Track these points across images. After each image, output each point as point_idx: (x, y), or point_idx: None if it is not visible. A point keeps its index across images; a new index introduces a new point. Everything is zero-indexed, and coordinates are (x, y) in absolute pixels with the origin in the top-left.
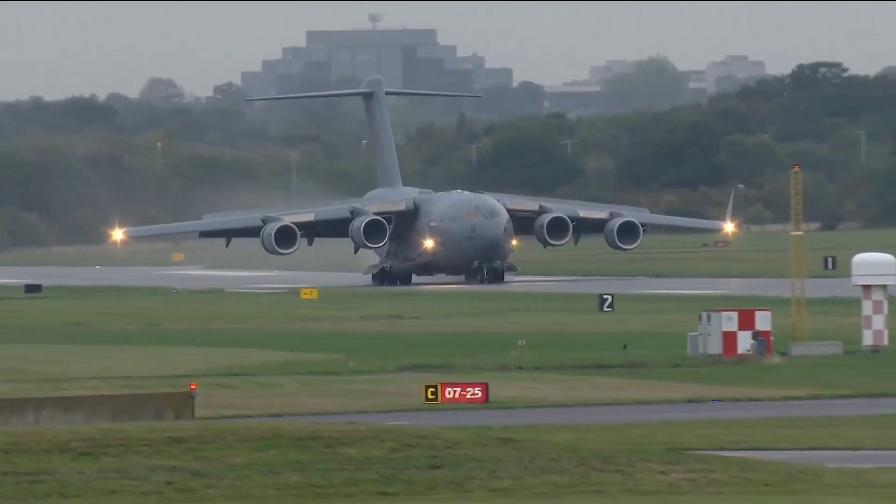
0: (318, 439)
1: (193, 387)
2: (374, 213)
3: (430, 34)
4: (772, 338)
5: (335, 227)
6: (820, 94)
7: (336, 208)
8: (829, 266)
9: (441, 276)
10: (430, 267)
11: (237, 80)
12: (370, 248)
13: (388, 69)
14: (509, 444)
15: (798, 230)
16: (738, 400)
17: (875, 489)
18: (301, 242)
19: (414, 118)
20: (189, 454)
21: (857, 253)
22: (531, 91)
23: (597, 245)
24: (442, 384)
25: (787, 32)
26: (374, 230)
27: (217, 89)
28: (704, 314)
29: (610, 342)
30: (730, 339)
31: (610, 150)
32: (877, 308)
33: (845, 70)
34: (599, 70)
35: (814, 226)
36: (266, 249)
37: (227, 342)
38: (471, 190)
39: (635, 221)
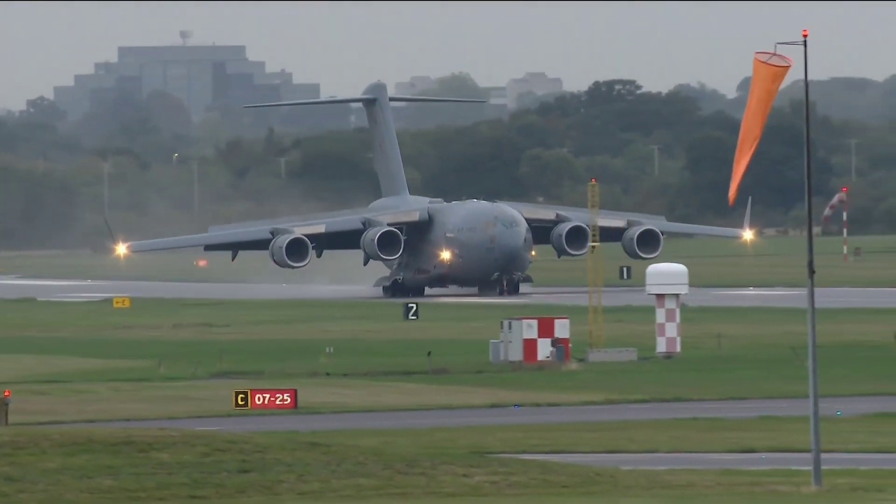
0: (131, 444)
1: (7, 394)
2: (388, 224)
3: (239, 50)
4: (570, 345)
5: (346, 239)
6: (615, 110)
7: (347, 219)
8: (625, 276)
9: (454, 289)
10: (445, 279)
11: (49, 95)
12: (384, 260)
13: (199, 84)
14: (317, 449)
15: (594, 242)
16: (538, 405)
17: (668, 490)
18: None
19: (224, 132)
20: (2, 460)
21: (652, 263)
22: (337, 106)
23: (614, 254)
24: (252, 390)
25: (584, 51)
26: (387, 241)
27: (30, 103)
28: (506, 322)
29: (415, 349)
30: (530, 346)
31: (415, 164)
32: (670, 316)
33: (639, 87)
34: (404, 86)
35: None
36: (276, 262)
37: (40, 350)
38: (487, 199)
39: (655, 230)
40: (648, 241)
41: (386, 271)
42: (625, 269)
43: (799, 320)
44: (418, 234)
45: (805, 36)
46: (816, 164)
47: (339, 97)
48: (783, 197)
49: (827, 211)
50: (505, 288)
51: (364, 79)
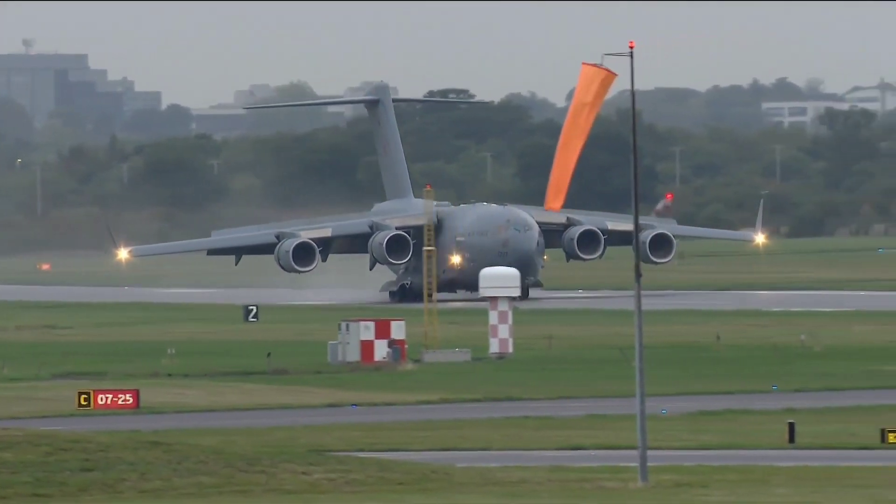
0: None
1: None
2: (396, 228)
3: (81, 59)
4: (406, 346)
5: (353, 243)
6: (449, 118)
7: (354, 223)
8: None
9: (462, 293)
10: (455, 283)
11: None
12: (393, 264)
13: (42, 92)
14: (159, 447)
15: (430, 245)
16: (375, 404)
17: (500, 486)
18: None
19: (67, 139)
20: None
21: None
22: (179, 113)
23: (627, 258)
24: (94, 391)
25: (419, 60)
26: (396, 245)
27: None
28: (344, 324)
29: (255, 350)
30: (367, 347)
31: (255, 170)
32: (502, 318)
33: (472, 96)
34: (244, 94)
35: None
36: (282, 267)
37: None
38: (497, 202)
39: (668, 233)
40: (661, 245)
41: (389, 276)
42: None
43: (626, 322)
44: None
45: (632, 47)
46: (642, 170)
47: (343, 97)
48: (609, 203)
49: (652, 216)
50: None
51: (203, 86)
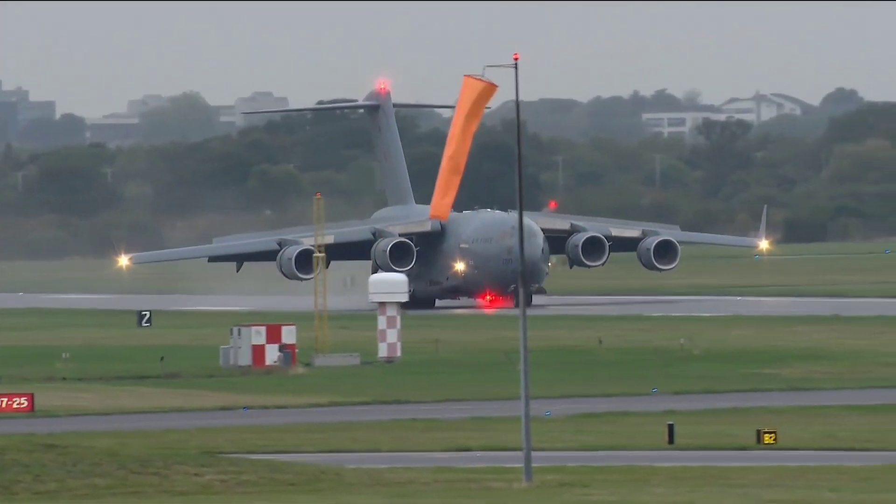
0: None
1: None
2: (399, 235)
3: None
4: (297, 350)
5: (355, 250)
6: (339, 128)
7: (357, 230)
8: (349, 284)
9: (465, 301)
10: (459, 290)
11: None
12: (397, 271)
13: None
14: (54, 450)
15: (319, 251)
16: (267, 407)
17: (389, 487)
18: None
19: None
20: None
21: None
22: (73, 123)
23: (630, 264)
24: None
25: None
26: (399, 252)
27: None
28: (236, 329)
29: (149, 355)
30: (259, 351)
31: (148, 178)
32: (391, 323)
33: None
34: (137, 104)
35: None
36: (284, 274)
37: None
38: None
39: (672, 240)
40: (666, 251)
41: None
42: (349, 278)
43: (511, 327)
44: (430, 244)
45: (516, 59)
46: (527, 179)
47: (344, 103)
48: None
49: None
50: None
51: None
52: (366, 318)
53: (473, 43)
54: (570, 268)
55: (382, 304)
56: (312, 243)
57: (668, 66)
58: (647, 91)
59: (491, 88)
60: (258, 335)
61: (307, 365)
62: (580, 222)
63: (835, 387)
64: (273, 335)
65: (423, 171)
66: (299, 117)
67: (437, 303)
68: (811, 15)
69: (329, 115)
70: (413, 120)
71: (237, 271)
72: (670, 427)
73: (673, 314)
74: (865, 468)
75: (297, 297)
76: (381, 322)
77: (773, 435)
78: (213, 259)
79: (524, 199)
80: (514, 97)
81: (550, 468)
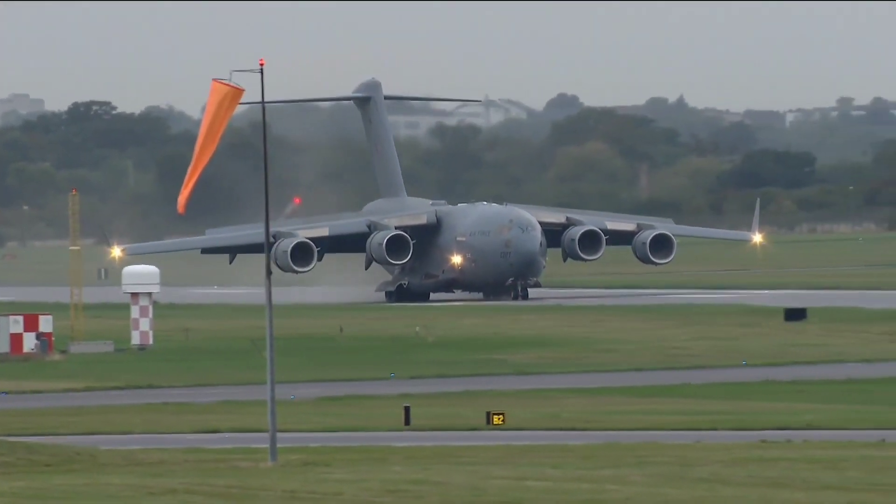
0: None
1: None
2: (396, 228)
3: None
4: (53, 338)
5: (350, 243)
6: (93, 129)
7: (352, 222)
8: (103, 276)
9: (459, 294)
10: (455, 284)
11: None
12: (393, 264)
13: None
14: None
15: (76, 245)
16: (24, 392)
17: (142, 467)
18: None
19: None
20: None
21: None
22: None
23: (625, 258)
24: None
25: (65, 73)
26: (395, 245)
27: None
28: None
29: None
30: (16, 339)
31: None
32: (143, 312)
33: (114, 108)
34: None
35: (90, 241)
36: (279, 267)
37: None
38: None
39: (668, 234)
40: (661, 245)
41: (383, 276)
42: (103, 271)
43: (258, 316)
44: (426, 237)
45: (262, 64)
46: (273, 178)
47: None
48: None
49: (281, 219)
50: (520, 293)
51: None
52: (119, 307)
53: (220, 49)
54: (564, 261)
55: (135, 294)
56: (308, 235)
57: (406, 72)
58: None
59: (237, 93)
60: (16, 324)
61: (64, 352)
62: (576, 215)
63: (559, 371)
64: (30, 324)
65: (173, 171)
66: (55, 117)
67: (432, 296)
68: (533, 21)
69: (85, 116)
70: (164, 122)
71: (230, 263)
72: (406, 409)
73: (408, 304)
74: (587, 446)
75: (53, 288)
76: (135, 311)
77: (501, 416)
78: (206, 251)
79: (270, 196)
80: (260, 100)
81: (295, 448)
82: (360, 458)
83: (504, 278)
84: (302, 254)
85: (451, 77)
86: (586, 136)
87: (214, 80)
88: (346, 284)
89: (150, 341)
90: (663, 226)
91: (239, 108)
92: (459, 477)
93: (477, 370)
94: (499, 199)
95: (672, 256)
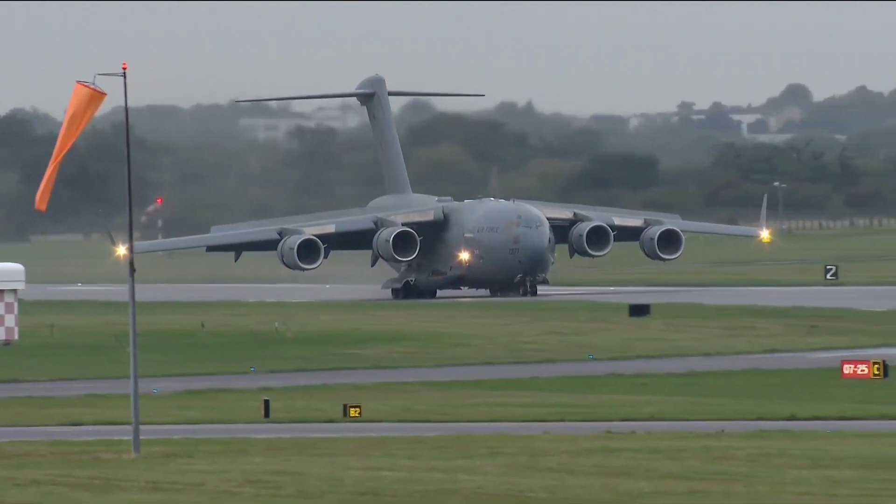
0: None
1: None
2: (403, 224)
3: None
4: None
5: (357, 240)
6: None
7: (358, 219)
8: None
9: (466, 291)
10: (463, 280)
11: None
12: (400, 261)
13: None
14: None
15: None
16: None
17: (7, 459)
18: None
19: None
20: None
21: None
22: None
23: (633, 254)
24: None
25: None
26: (402, 242)
27: None
28: None
29: None
30: None
31: None
32: (9, 308)
33: None
34: None
35: None
36: (286, 265)
37: None
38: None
39: (677, 230)
40: (670, 241)
41: (389, 272)
42: None
43: (121, 312)
44: (432, 234)
45: (125, 68)
46: (136, 179)
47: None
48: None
49: (143, 218)
50: (528, 290)
51: None
52: None
53: (85, 53)
54: (571, 257)
55: (1, 291)
56: (314, 233)
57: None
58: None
59: (99, 96)
60: None
61: None
62: (583, 211)
63: (412, 365)
64: None
65: (38, 172)
66: None
67: (439, 293)
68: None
69: None
70: (29, 124)
71: (235, 261)
72: (266, 402)
73: (268, 300)
74: (440, 438)
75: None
76: (0, 307)
77: (358, 409)
78: (211, 249)
79: (133, 196)
80: (123, 103)
81: (157, 440)
82: (221, 450)
83: (512, 275)
84: (308, 251)
85: (312, 80)
86: (440, 139)
87: (77, 82)
88: (351, 282)
89: (16, 336)
90: (671, 222)
91: (103, 110)
92: (317, 468)
93: (334, 364)
94: (357, 199)
95: (680, 252)
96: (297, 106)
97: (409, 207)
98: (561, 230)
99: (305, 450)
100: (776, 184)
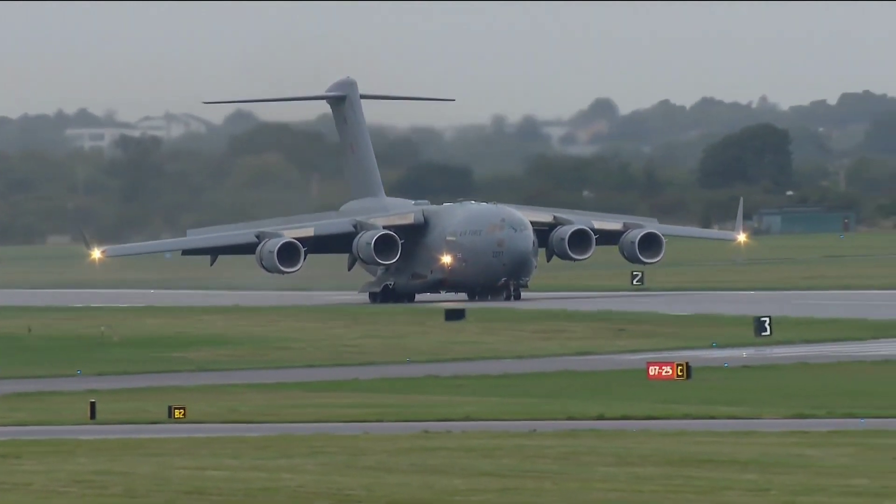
0: None
1: None
2: (384, 227)
3: None
4: None
5: (336, 243)
6: None
7: (338, 222)
8: None
9: (445, 294)
10: (444, 284)
11: None
12: (381, 265)
13: None
14: None
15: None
16: None
17: None
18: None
19: None
20: None
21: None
22: None
23: (612, 258)
24: None
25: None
26: (384, 245)
27: None
28: None
29: None
30: None
31: None
32: None
33: None
34: None
35: None
36: (265, 268)
37: None
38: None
39: (657, 233)
40: (650, 244)
41: (364, 276)
42: None
43: None
44: (412, 237)
45: None
46: None
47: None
48: None
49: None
50: (512, 294)
51: None
52: None
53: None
54: (549, 261)
55: None
56: (293, 236)
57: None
58: (70, 109)
59: None
60: None
61: None
62: (563, 214)
63: (237, 367)
64: None
65: None
66: None
67: (417, 297)
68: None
69: None
70: None
71: (211, 265)
72: (92, 404)
73: (95, 305)
74: (263, 438)
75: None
76: None
77: (182, 410)
78: (187, 252)
79: None
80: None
81: None
82: (49, 451)
83: (496, 278)
84: (288, 254)
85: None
86: (263, 148)
87: None
88: (329, 286)
89: None
90: (651, 225)
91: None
92: (144, 467)
93: (159, 367)
94: (181, 207)
95: (661, 255)
96: (123, 115)
97: (386, 211)
98: (540, 234)
99: (132, 450)
100: (585, 193)
